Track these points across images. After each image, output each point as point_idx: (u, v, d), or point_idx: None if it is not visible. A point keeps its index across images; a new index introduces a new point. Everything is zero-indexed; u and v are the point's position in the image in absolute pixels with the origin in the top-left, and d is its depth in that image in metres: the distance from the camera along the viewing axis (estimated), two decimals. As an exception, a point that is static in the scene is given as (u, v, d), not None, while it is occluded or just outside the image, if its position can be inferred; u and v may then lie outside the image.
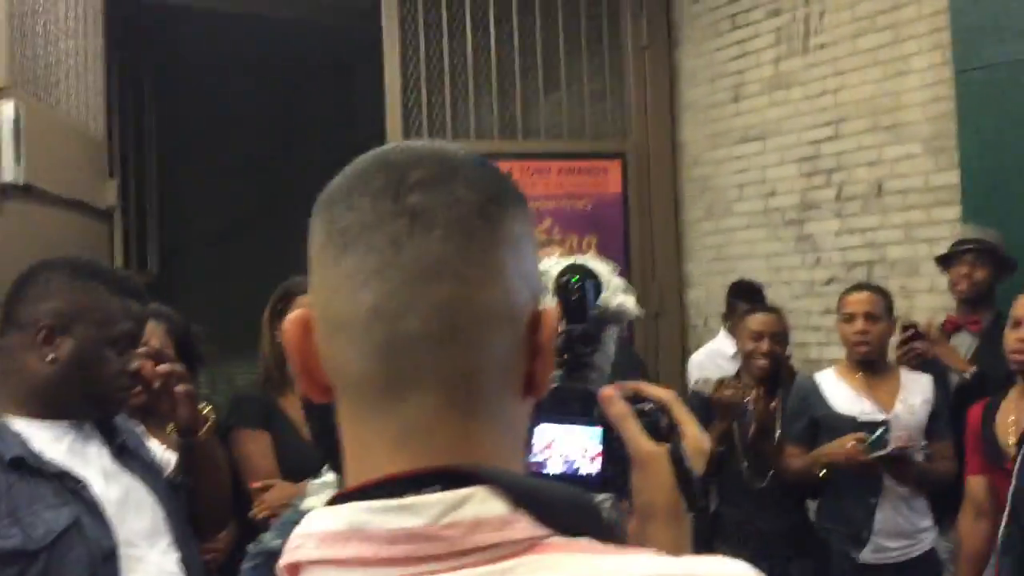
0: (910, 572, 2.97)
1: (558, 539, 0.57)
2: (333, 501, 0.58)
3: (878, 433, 2.88)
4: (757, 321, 3.25)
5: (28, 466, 1.50)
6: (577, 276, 1.25)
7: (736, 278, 4.34)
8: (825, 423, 3.04)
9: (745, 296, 4.06)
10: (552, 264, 1.31)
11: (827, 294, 4.17)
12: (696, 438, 0.91)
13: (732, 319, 3.95)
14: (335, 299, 0.60)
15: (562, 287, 1.24)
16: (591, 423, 0.90)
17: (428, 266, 0.58)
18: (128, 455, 1.68)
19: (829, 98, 4.32)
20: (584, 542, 0.57)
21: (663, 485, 0.85)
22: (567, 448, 0.90)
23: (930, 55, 3.88)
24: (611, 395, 0.88)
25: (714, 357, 4.04)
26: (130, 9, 5.10)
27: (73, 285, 1.59)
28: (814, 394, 3.11)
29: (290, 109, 8.26)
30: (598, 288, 1.27)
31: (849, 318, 3.09)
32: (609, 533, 0.58)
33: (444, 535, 0.55)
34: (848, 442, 2.90)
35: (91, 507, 1.52)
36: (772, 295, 4.21)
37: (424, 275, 0.58)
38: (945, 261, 3.38)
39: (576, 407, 0.91)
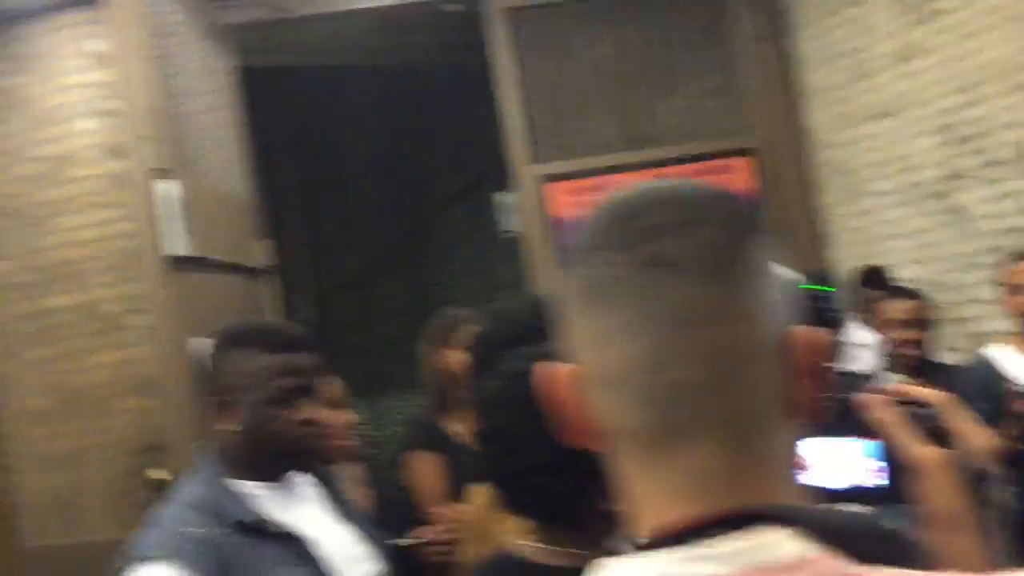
0: None
1: (865, 569, 0.57)
2: (625, 551, 0.59)
3: None
4: (901, 308, 3.13)
5: (260, 529, 1.57)
6: (816, 284, 1.17)
7: (881, 260, 4.22)
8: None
9: (877, 283, 3.94)
10: None
11: (983, 265, 4.02)
12: (982, 437, 0.88)
13: (866, 307, 3.84)
14: (599, 353, 0.61)
15: (811, 299, 1.14)
16: (859, 433, 0.86)
17: (688, 312, 0.58)
18: (343, 504, 1.76)
19: (959, 64, 4.17)
20: (893, 572, 0.57)
21: (949, 492, 0.81)
22: (840, 462, 0.87)
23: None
24: (878, 401, 0.85)
25: (851, 348, 3.94)
26: (258, 74, 5.37)
27: (230, 357, 1.67)
28: (993, 371, 2.94)
29: (416, 153, 8.48)
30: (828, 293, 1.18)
31: (1018, 289, 2.94)
32: (908, 556, 0.58)
33: None
34: None
35: (316, 567, 1.60)
36: (923, 272, 4.08)
37: (686, 321, 0.58)
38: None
39: (837, 418, 0.86)
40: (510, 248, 7.26)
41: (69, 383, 4.37)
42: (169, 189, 3.29)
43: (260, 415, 1.63)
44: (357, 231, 8.30)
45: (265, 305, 4.51)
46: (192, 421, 3.59)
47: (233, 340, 1.70)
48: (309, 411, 1.66)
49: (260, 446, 1.64)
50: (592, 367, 0.62)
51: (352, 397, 2.77)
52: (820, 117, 4.90)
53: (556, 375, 0.65)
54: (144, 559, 1.49)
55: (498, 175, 6.97)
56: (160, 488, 4.13)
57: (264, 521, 1.58)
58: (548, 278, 4.51)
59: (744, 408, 0.59)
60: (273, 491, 1.65)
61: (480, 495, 1.93)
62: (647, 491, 0.61)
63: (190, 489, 1.62)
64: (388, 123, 7.99)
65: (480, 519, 1.88)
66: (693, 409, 0.59)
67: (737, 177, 4.86)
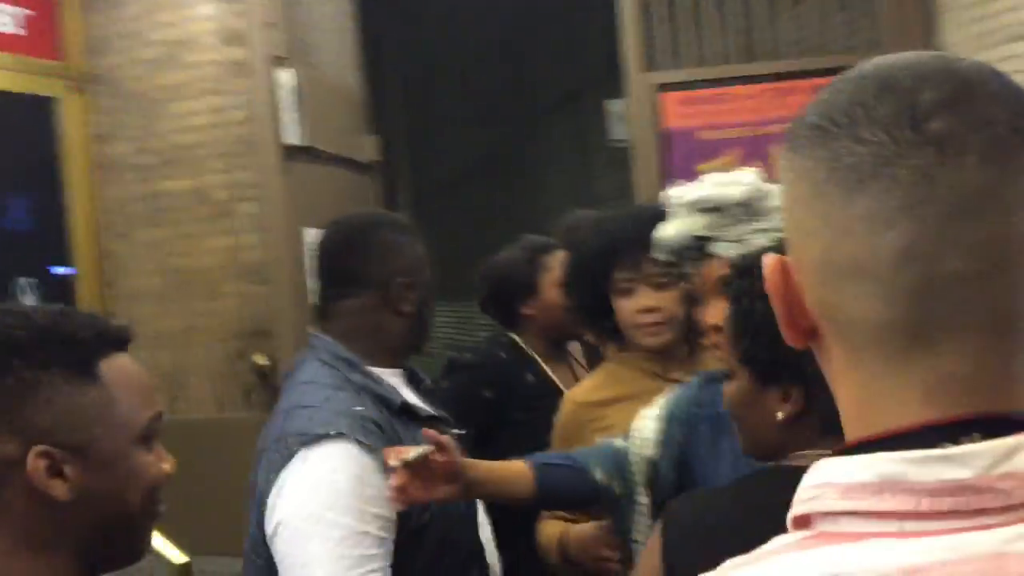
0: None
1: None
2: (847, 451, 0.55)
3: None
4: None
5: (410, 411, 1.59)
6: None
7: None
8: None
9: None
10: None
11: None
12: None
13: None
14: (845, 242, 0.55)
15: None
16: None
17: (966, 199, 0.52)
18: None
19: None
20: None
21: None
22: None
23: None
24: None
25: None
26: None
27: (406, 242, 1.68)
28: None
29: (520, 56, 8.35)
30: None
31: None
32: None
33: (999, 487, 0.51)
34: None
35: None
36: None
37: (963, 209, 0.52)
38: None
39: None
40: (611, 158, 7.14)
41: (179, 265, 4.50)
42: (287, 77, 3.29)
43: (430, 301, 1.68)
44: (457, 132, 8.26)
45: (369, 200, 4.54)
46: (298, 308, 3.66)
47: (398, 227, 1.71)
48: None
49: (421, 333, 1.68)
50: (831, 256, 0.56)
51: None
52: (954, 37, 4.62)
53: (770, 269, 0.60)
54: (319, 438, 1.45)
55: (604, 82, 6.82)
56: (263, 372, 4.26)
57: (411, 404, 1.61)
58: (654, 190, 4.42)
59: (1013, 308, 0.54)
60: (399, 378, 1.67)
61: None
62: (884, 392, 0.56)
63: (323, 372, 1.58)
64: (496, 23, 7.87)
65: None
66: (955, 305, 0.53)
67: (861, 95, 4.65)
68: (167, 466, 1.03)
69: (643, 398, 1.69)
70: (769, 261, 0.60)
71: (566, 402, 1.96)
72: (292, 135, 3.30)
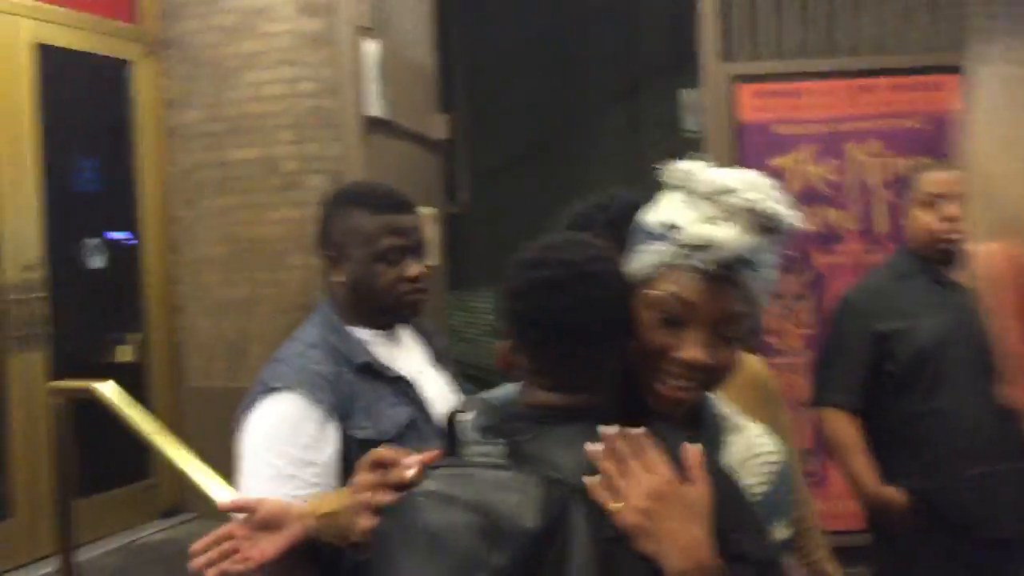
0: None
1: None
2: None
3: None
4: None
5: (372, 370, 1.71)
6: None
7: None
8: None
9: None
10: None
11: None
12: None
13: None
14: None
15: None
16: None
17: None
18: (442, 357, 1.89)
19: None
20: None
21: None
22: None
23: None
24: None
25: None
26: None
27: (339, 213, 1.77)
28: None
29: (578, 38, 8.29)
30: None
31: None
32: None
33: None
34: None
35: (421, 407, 1.73)
36: None
37: None
38: None
39: None
40: (669, 151, 7.05)
41: (245, 234, 4.50)
42: (372, 48, 3.26)
43: (366, 271, 1.74)
44: (517, 115, 8.22)
45: (437, 178, 4.51)
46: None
47: (344, 199, 1.80)
48: (414, 268, 1.75)
49: (365, 299, 1.74)
50: None
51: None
52: (1044, 39, 4.51)
53: (998, 257, 0.48)
54: (272, 390, 1.63)
55: (667, 70, 6.74)
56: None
57: (376, 363, 1.72)
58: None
59: None
60: (381, 338, 1.77)
61: None
62: None
63: (311, 331, 1.74)
64: (561, 7, 7.81)
65: None
66: None
67: (945, 95, 4.55)
68: None
69: None
70: (994, 250, 0.47)
71: None
72: (375, 107, 3.27)
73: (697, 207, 1.23)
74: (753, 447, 1.28)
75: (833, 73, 4.49)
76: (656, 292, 1.20)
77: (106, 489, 4.34)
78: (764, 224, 1.21)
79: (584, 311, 1.15)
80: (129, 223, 4.68)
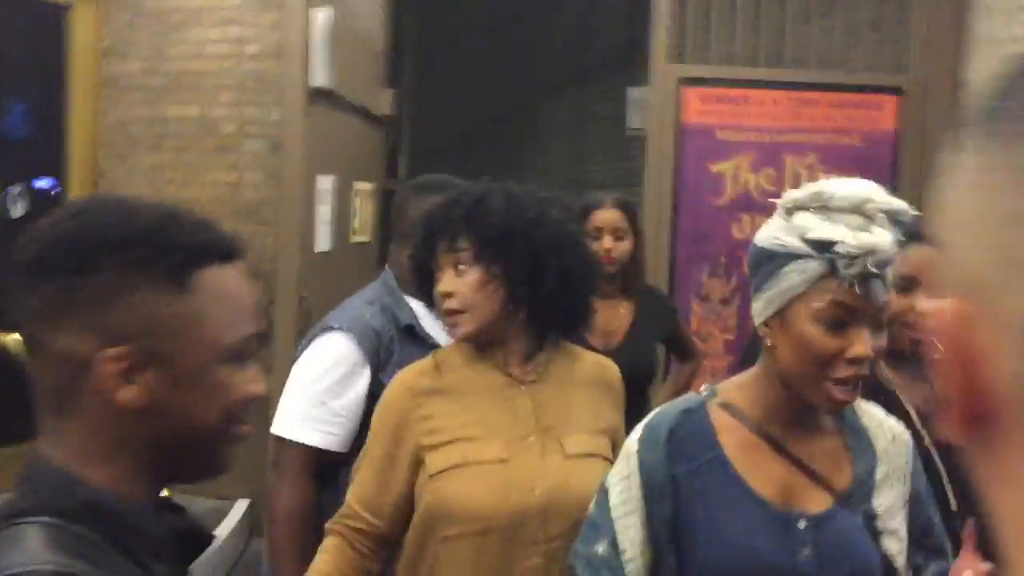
0: None
1: None
2: None
3: None
4: None
5: (414, 333, 1.99)
6: None
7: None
8: None
9: None
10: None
11: None
12: None
13: None
14: None
15: None
16: None
17: None
18: None
19: None
20: None
21: None
22: None
23: None
24: None
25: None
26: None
27: (417, 197, 2.04)
28: None
29: (530, 25, 8.27)
30: None
31: None
32: None
33: None
34: None
35: None
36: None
37: None
38: None
39: None
40: (611, 146, 7.09)
41: (177, 195, 4.39)
42: (323, 17, 3.20)
43: (417, 254, 1.88)
44: (464, 97, 8.17)
45: (380, 154, 4.46)
46: (303, 253, 3.57)
47: (423, 188, 2.09)
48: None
49: (422, 275, 1.81)
50: None
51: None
52: (983, 69, 4.63)
53: (950, 320, 0.41)
54: (328, 328, 1.97)
55: (616, 68, 6.75)
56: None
57: (419, 327, 2.00)
58: (664, 181, 4.39)
59: None
60: (431, 312, 1.90)
61: None
62: None
63: (371, 291, 2.07)
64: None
65: None
66: None
67: (882, 116, 4.64)
68: (256, 388, 0.97)
69: (476, 394, 1.65)
70: (948, 309, 0.41)
71: (394, 383, 1.73)
72: (320, 77, 3.21)
73: (842, 220, 1.35)
74: None
75: (778, 83, 4.55)
76: (818, 304, 1.33)
77: (13, 442, 4.22)
78: (895, 220, 1.37)
79: None
80: (56, 171, 4.54)
